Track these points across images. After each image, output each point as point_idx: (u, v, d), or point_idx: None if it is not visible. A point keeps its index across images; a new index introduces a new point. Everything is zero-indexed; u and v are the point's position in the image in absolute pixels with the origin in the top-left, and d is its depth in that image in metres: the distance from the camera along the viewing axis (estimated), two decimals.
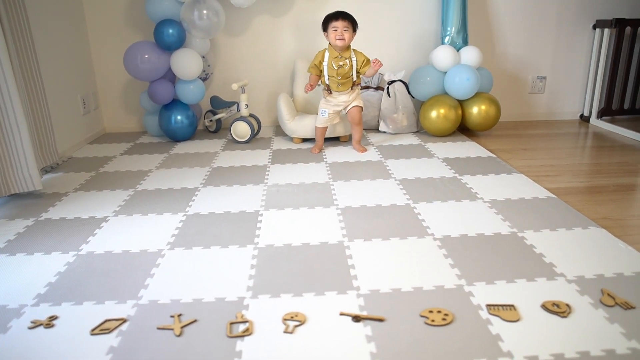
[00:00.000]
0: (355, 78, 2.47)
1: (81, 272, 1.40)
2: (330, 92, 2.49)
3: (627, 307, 1.18)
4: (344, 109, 2.53)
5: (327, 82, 2.47)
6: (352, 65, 2.43)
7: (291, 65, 3.12)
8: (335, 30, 2.37)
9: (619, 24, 3.01)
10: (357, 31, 2.44)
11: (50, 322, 1.16)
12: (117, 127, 3.19)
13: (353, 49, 2.45)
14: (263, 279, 1.34)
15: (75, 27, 2.83)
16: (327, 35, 2.43)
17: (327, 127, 2.61)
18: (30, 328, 1.15)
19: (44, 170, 2.34)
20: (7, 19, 2.01)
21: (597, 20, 3.13)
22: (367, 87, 3.03)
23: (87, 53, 2.97)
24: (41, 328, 1.15)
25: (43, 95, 2.29)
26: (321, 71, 2.46)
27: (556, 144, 2.75)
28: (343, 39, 2.36)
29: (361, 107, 2.53)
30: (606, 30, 3.08)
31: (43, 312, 1.21)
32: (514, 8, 3.11)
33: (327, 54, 2.44)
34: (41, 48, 2.39)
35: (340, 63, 2.41)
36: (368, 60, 2.43)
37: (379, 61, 2.35)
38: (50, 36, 2.52)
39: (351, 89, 2.49)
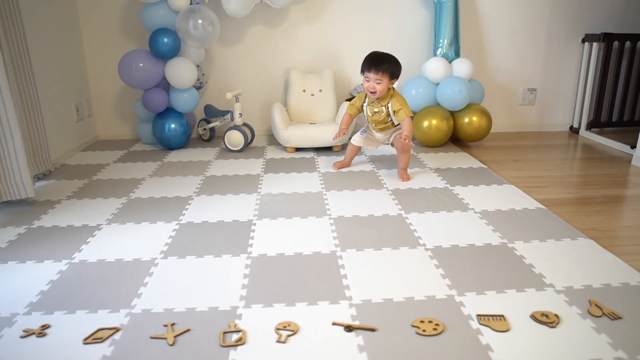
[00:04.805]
0: (395, 122, 2.29)
1: (74, 280, 1.40)
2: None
3: (614, 317, 1.20)
4: (388, 139, 2.39)
5: (367, 121, 2.38)
6: (388, 112, 2.25)
7: (285, 75, 3.14)
8: (368, 82, 2.18)
9: (607, 39, 3.07)
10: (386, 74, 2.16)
11: (42, 331, 1.16)
12: (110, 134, 3.19)
13: (392, 94, 2.23)
14: (256, 289, 1.35)
15: (70, 34, 2.84)
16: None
17: (360, 148, 2.50)
18: (22, 337, 1.15)
19: (37, 178, 2.33)
20: (2, 26, 2.02)
21: (586, 35, 3.19)
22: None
23: (81, 60, 2.97)
24: (33, 337, 1.15)
25: (37, 101, 2.28)
26: (362, 111, 2.35)
27: (546, 155, 2.79)
28: (374, 92, 2.18)
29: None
30: (595, 44, 3.14)
31: (35, 321, 1.21)
32: (506, 21, 3.16)
33: (367, 97, 2.28)
34: (36, 55, 2.40)
35: (375, 110, 2.26)
36: (399, 110, 2.20)
37: (407, 139, 2.15)
38: (44, 43, 2.52)
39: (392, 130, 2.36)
